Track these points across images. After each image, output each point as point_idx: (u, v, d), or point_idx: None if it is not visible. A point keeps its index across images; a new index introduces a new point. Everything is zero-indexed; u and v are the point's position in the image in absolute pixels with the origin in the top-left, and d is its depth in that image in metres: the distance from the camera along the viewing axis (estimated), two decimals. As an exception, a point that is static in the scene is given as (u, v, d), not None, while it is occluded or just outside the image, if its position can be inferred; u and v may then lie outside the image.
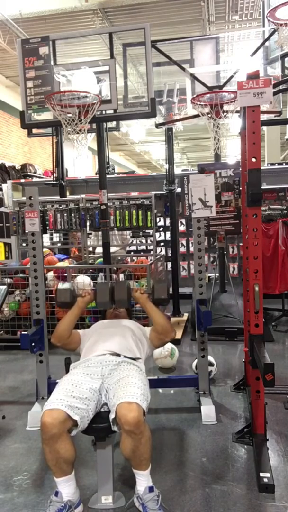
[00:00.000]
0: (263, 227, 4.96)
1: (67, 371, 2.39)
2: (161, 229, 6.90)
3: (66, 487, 1.96)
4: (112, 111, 3.90)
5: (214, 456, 2.46)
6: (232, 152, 15.32)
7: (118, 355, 2.32)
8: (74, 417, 1.90)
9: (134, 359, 2.33)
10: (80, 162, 11.42)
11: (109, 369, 2.19)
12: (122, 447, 1.93)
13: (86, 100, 3.54)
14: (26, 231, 2.96)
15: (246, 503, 2.05)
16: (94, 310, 4.43)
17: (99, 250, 6.40)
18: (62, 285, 2.73)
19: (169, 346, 3.79)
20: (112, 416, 1.94)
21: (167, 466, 2.36)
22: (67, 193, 6.50)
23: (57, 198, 6.01)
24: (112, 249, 5.12)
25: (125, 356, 2.31)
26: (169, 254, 6.23)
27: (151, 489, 1.96)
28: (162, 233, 6.92)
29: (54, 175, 6.18)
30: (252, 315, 2.39)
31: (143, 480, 1.98)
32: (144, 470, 1.97)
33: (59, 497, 1.95)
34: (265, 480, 2.15)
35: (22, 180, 8.48)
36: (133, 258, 6.10)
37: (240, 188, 4.80)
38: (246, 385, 3.18)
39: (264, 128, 10.43)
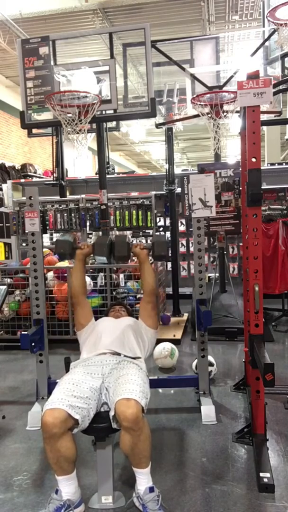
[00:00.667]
0: (263, 227, 4.96)
1: (67, 370, 2.39)
2: (161, 229, 6.90)
3: (66, 486, 1.96)
4: (112, 111, 3.90)
5: (214, 456, 2.46)
6: (232, 152, 15.32)
7: (119, 354, 2.33)
8: (75, 417, 1.90)
9: (134, 358, 2.33)
10: (80, 162, 11.43)
11: (109, 368, 2.20)
12: (121, 444, 1.93)
13: (86, 100, 3.54)
14: (26, 231, 2.96)
15: (246, 503, 2.05)
16: (94, 310, 4.42)
17: None
18: (62, 237, 2.73)
19: (169, 346, 3.79)
20: (112, 413, 1.94)
21: (167, 466, 2.36)
22: (67, 193, 6.50)
23: (57, 198, 6.02)
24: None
25: (125, 356, 2.32)
26: (169, 254, 6.23)
27: (151, 490, 1.96)
28: (162, 233, 6.92)
29: (54, 175, 6.18)
30: (252, 315, 2.39)
31: (143, 479, 1.98)
32: (144, 468, 1.97)
33: (59, 495, 1.96)
34: (265, 480, 2.15)
35: (22, 180, 8.49)
36: (133, 258, 6.09)
37: (240, 188, 4.80)
38: (246, 385, 3.18)
39: (264, 128, 10.43)
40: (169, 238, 5.53)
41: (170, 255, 5.49)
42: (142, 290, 2.69)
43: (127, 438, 1.89)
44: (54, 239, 7.12)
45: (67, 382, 2.07)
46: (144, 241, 6.89)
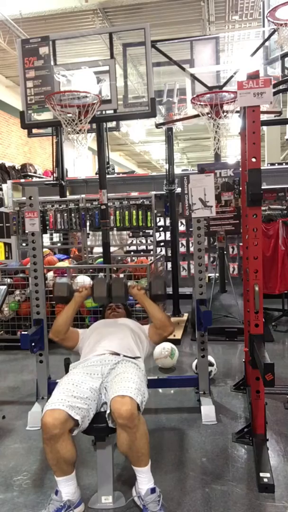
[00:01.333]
0: (263, 227, 4.96)
1: (66, 371, 2.39)
2: (161, 229, 6.90)
3: (66, 487, 1.96)
4: (112, 111, 3.90)
5: (214, 456, 2.46)
6: (232, 152, 15.34)
7: (118, 354, 2.33)
8: (75, 417, 1.90)
9: (133, 358, 2.33)
10: (80, 162, 11.43)
11: (108, 368, 2.20)
12: (118, 443, 1.92)
13: (86, 100, 3.54)
14: (26, 231, 2.96)
15: (246, 503, 2.05)
16: (94, 310, 4.43)
17: (97, 250, 6.41)
18: (60, 280, 2.73)
19: (169, 346, 3.79)
20: (108, 411, 1.94)
21: (167, 466, 2.36)
22: (67, 193, 6.50)
23: (57, 198, 6.02)
24: (111, 249, 5.11)
25: (124, 356, 2.32)
26: (169, 254, 6.23)
27: (153, 491, 1.95)
28: (162, 233, 6.92)
29: (54, 175, 6.17)
30: (252, 315, 2.39)
31: (143, 477, 1.97)
32: (144, 467, 1.97)
33: (59, 496, 1.96)
34: (265, 480, 2.15)
35: (22, 180, 8.48)
36: (133, 258, 6.10)
37: (240, 188, 4.80)
38: (246, 385, 3.18)
39: (264, 128, 10.43)
40: (169, 238, 5.52)
41: (169, 255, 5.50)
42: (154, 326, 2.62)
43: (123, 436, 1.89)
44: (54, 239, 7.13)
45: (67, 382, 2.07)
46: (144, 241, 6.91)
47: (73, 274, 4.65)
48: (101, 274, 4.65)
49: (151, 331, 2.61)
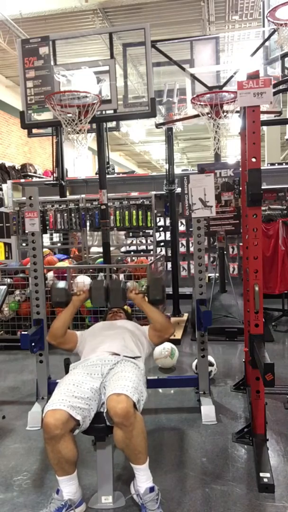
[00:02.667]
0: (263, 227, 4.96)
1: (66, 371, 2.39)
2: (161, 229, 6.90)
3: (67, 486, 1.96)
4: (112, 111, 3.90)
5: (214, 456, 2.46)
6: (232, 152, 15.34)
7: (118, 355, 2.33)
8: (76, 417, 1.90)
9: (133, 357, 2.33)
10: (80, 162, 11.44)
11: (108, 368, 2.20)
12: (115, 439, 1.93)
13: (86, 100, 3.54)
14: (26, 231, 2.96)
15: (246, 503, 2.05)
16: (94, 310, 4.43)
17: (94, 250, 6.42)
18: (57, 284, 2.72)
19: (169, 346, 3.79)
20: (105, 410, 1.94)
21: (167, 466, 2.36)
22: (67, 193, 6.50)
23: (57, 198, 6.02)
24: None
25: (125, 356, 2.32)
26: (169, 254, 6.23)
27: (151, 489, 1.95)
28: (162, 233, 6.92)
29: (54, 175, 6.17)
30: (252, 315, 2.39)
31: (142, 475, 1.97)
32: (142, 464, 1.97)
33: (60, 495, 1.96)
34: (265, 480, 2.15)
35: (22, 180, 8.48)
36: (133, 258, 6.10)
37: (240, 188, 4.80)
38: (246, 385, 3.18)
39: (264, 128, 10.42)
40: (169, 238, 5.51)
41: (169, 255, 5.50)
42: (154, 329, 2.60)
43: (119, 434, 1.89)
44: (54, 239, 7.13)
45: (68, 383, 2.07)
46: (144, 240, 6.91)
47: (73, 274, 4.65)
48: (101, 274, 4.65)
49: (151, 333, 2.61)
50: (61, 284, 2.70)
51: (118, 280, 2.71)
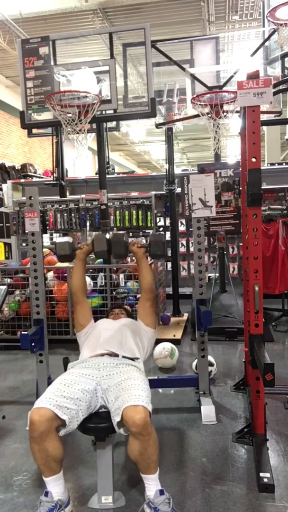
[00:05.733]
0: (263, 227, 4.96)
1: (65, 370, 2.39)
2: (161, 229, 6.90)
3: (56, 486, 1.96)
4: (112, 111, 3.90)
5: (214, 456, 2.46)
6: (232, 152, 15.34)
7: (117, 355, 2.32)
8: (62, 417, 1.90)
9: (132, 359, 2.33)
10: (80, 162, 11.44)
11: (107, 371, 2.19)
12: (129, 449, 1.92)
13: (86, 100, 3.54)
14: (26, 231, 2.96)
15: (246, 503, 2.05)
16: (94, 310, 4.42)
17: None
18: (61, 239, 2.75)
19: (169, 346, 3.79)
20: (117, 419, 1.92)
21: (167, 466, 2.36)
22: (67, 193, 6.50)
23: (57, 198, 6.02)
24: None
25: (123, 357, 2.31)
26: (169, 254, 6.23)
27: (161, 492, 1.93)
28: (162, 233, 6.91)
29: (54, 175, 6.18)
30: (252, 315, 2.39)
31: (152, 484, 1.95)
32: (153, 474, 1.95)
33: (49, 497, 1.94)
34: (265, 480, 2.15)
35: (22, 180, 8.48)
36: (133, 258, 6.09)
37: (240, 188, 4.80)
38: (246, 385, 3.18)
39: (264, 128, 10.43)
40: (169, 238, 5.52)
41: (169, 254, 5.50)
42: (140, 288, 2.69)
43: (136, 443, 1.88)
44: (54, 239, 7.12)
45: (59, 382, 2.08)
46: (144, 240, 6.90)
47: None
48: (101, 274, 4.65)
49: (140, 312, 2.65)
50: (65, 238, 2.75)
51: (121, 233, 2.73)
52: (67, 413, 1.92)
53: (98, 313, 4.31)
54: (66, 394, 1.98)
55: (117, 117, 4.32)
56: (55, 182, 6.13)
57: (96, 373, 2.17)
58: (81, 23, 8.64)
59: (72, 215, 5.80)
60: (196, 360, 3.31)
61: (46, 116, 4.06)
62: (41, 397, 1.98)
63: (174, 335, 4.59)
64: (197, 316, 3.01)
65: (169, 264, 5.82)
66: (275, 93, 3.96)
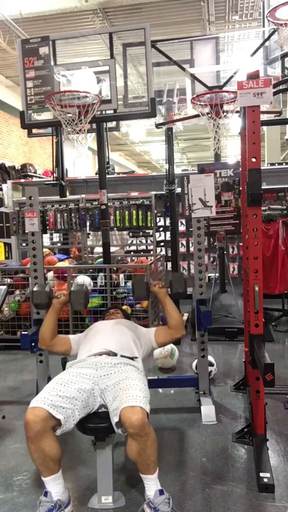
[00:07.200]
0: (263, 227, 4.96)
1: (63, 370, 2.39)
2: (161, 229, 6.89)
3: (55, 486, 1.96)
4: (112, 111, 3.90)
5: (214, 456, 2.46)
6: (232, 152, 15.31)
7: (115, 354, 2.31)
8: (57, 416, 1.90)
9: (131, 358, 2.32)
10: (80, 162, 11.42)
11: (104, 371, 2.18)
12: (128, 450, 1.92)
13: (86, 100, 3.54)
14: (26, 231, 2.96)
15: (246, 503, 2.05)
16: (94, 310, 4.43)
17: (97, 250, 6.41)
18: (36, 287, 2.72)
19: (169, 346, 3.79)
20: (115, 419, 1.93)
21: (167, 466, 2.36)
22: (67, 193, 6.51)
23: (57, 198, 6.02)
24: (112, 249, 5.12)
25: (122, 356, 2.31)
26: (169, 254, 6.23)
27: (161, 492, 1.94)
28: (162, 233, 6.92)
29: (54, 175, 6.18)
30: (252, 315, 2.39)
31: (152, 484, 1.96)
32: (152, 474, 1.96)
33: (49, 497, 1.94)
34: (265, 480, 2.15)
35: (22, 180, 8.48)
36: (133, 258, 6.10)
37: (240, 188, 4.80)
38: (246, 385, 3.18)
39: (264, 128, 10.43)
40: (169, 238, 5.51)
41: (169, 254, 5.49)
42: (169, 326, 2.63)
43: (134, 444, 1.88)
44: (54, 239, 7.13)
45: (55, 382, 2.08)
46: (144, 241, 6.91)
47: (73, 274, 4.65)
48: (101, 274, 4.65)
49: (161, 332, 2.62)
50: (42, 287, 2.71)
51: (141, 275, 2.72)
52: (62, 412, 1.92)
53: (98, 313, 4.32)
54: (62, 394, 1.98)
55: (117, 117, 4.32)
56: (55, 182, 6.14)
57: (93, 373, 2.17)
58: (81, 23, 8.63)
59: (72, 215, 5.81)
60: (196, 360, 3.31)
61: (46, 116, 4.06)
62: (37, 396, 1.98)
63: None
64: (197, 316, 3.01)
65: (169, 264, 5.82)
66: (275, 93, 3.96)
